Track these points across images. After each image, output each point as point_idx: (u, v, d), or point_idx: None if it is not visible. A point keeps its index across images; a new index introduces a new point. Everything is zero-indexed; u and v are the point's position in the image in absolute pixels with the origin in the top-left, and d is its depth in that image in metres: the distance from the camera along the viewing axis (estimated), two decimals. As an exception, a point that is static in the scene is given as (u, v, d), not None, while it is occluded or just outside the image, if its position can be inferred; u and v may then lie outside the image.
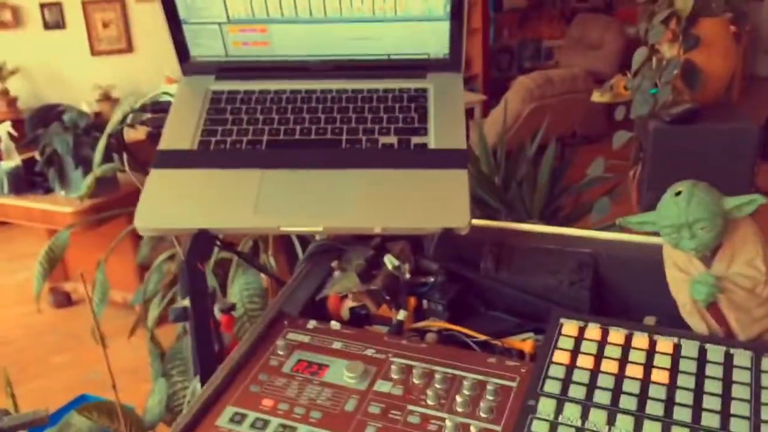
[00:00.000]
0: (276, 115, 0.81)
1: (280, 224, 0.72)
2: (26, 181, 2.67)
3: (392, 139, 0.78)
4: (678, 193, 0.63)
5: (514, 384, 0.64)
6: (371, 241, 0.81)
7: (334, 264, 0.80)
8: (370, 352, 0.69)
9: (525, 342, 0.72)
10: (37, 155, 2.59)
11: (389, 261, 0.76)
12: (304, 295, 0.78)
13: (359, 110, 0.81)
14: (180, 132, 0.80)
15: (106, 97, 4.09)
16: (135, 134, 2.41)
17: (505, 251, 0.80)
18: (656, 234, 0.72)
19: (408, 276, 0.77)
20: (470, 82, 5.53)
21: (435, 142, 0.78)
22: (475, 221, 0.82)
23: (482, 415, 0.61)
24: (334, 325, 0.73)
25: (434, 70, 0.84)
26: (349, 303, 0.76)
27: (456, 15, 0.80)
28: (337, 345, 0.71)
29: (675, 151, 1.38)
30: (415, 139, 0.78)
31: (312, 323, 0.74)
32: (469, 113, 4.61)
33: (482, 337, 0.72)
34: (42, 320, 2.95)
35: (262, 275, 1.74)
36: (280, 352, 0.70)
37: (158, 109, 0.83)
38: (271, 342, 0.71)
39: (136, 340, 2.02)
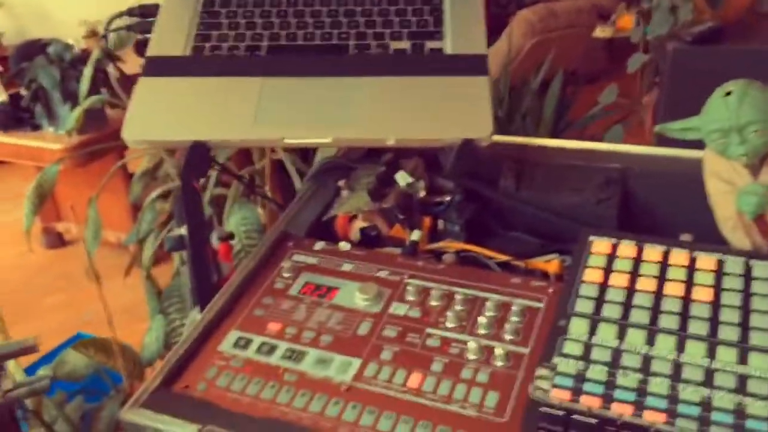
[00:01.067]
0: (276, 19, 0.74)
1: (283, 135, 0.65)
2: (13, 117, 2.57)
3: (405, 44, 0.71)
4: (728, 93, 0.57)
5: (541, 305, 0.59)
6: (382, 157, 0.74)
7: (342, 183, 0.74)
8: (383, 273, 0.64)
9: (550, 263, 0.66)
10: (22, 90, 2.49)
11: (402, 178, 0.70)
12: (310, 215, 0.72)
13: (367, 13, 0.74)
14: (170, 37, 0.72)
15: (93, 34, 3.94)
16: (128, 68, 2.31)
17: (526, 168, 0.74)
18: (693, 146, 0.67)
19: (422, 194, 0.71)
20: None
21: (452, 47, 0.71)
22: (498, 137, 0.76)
23: (507, 337, 0.56)
24: (344, 245, 0.68)
25: (450, -31, 0.76)
26: (359, 223, 0.70)
27: None
28: (347, 267, 0.65)
29: (695, 73, 1.31)
30: (430, 44, 0.71)
31: (320, 244, 0.68)
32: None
33: (504, 258, 0.67)
34: (34, 261, 2.90)
35: (260, 210, 1.68)
36: (286, 275, 0.65)
37: (146, 13, 0.76)
38: (275, 264, 0.66)
39: (131, 281, 1.97)
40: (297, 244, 0.68)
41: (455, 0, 0.74)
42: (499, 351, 0.55)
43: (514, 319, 0.58)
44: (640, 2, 1.54)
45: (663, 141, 0.75)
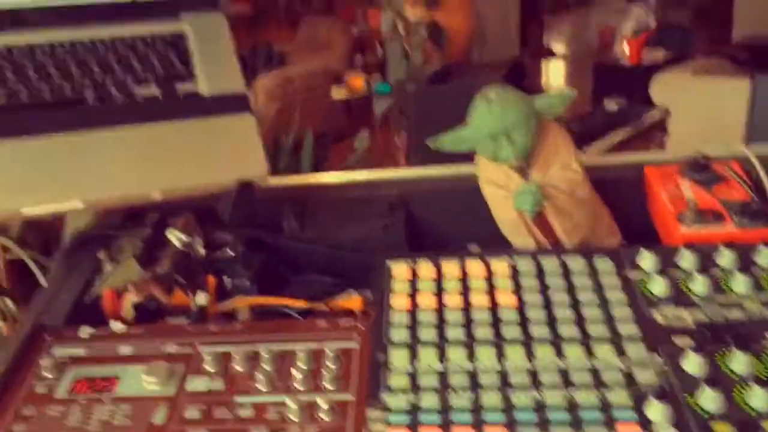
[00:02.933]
0: (-9, 77, 0.62)
1: (20, 205, 0.54)
2: None
3: (153, 90, 0.64)
4: (489, 100, 0.59)
5: (355, 344, 0.55)
6: (146, 219, 0.65)
7: (102, 255, 0.63)
8: (171, 348, 0.55)
9: (352, 300, 0.63)
10: None
11: (174, 236, 0.62)
12: (68, 299, 0.60)
13: (103, 61, 0.65)
14: None
15: None
16: None
17: (309, 208, 0.70)
18: (462, 162, 0.69)
19: (201, 251, 0.63)
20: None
21: (207, 87, 0.65)
22: (274, 179, 0.72)
23: (328, 386, 0.51)
24: (116, 326, 0.57)
25: (189, 9, 0.71)
26: (132, 298, 0.60)
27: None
28: (125, 350, 0.55)
29: (435, 110, 1.40)
30: (182, 87, 0.65)
31: (85, 330, 0.57)
32: (212, 122, 4.42)
33: (303, 305, 0.61)
34: None
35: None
36: (47, 374, 0.52)
37: None
38: (31, 365, 0.53)
39: None
40: (56, 335, 0.56)
41: (202, 40, 0.69)
42: (322, 404, 0.48)
43: (330, 365, 0.52)
44: (365, 56, 1.62)
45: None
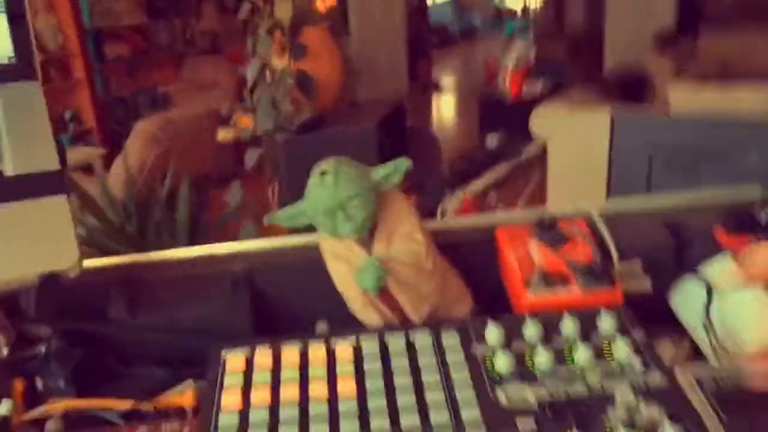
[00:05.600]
0: None
1: None
2: None
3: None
4: (323, 174, 0.55)
5: (179, 452, 0.49)
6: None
7: None
8: (-42, 476, 0.47)
9: (183, 395, 0.57)
10: None
11: (-28, 339, 0.54)
12: None
13: None
14: None
15: None
16: None
17: (140, 290, 0.64)
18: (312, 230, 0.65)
19: (5, 351, 0.56)
20: (85, 137, 5.09)
21: (14, 167, 0.58)
22: (96, 261, 0.65)
23: (143, 508, 0.45)
24: None
25: (-1, 80, 0.64)
26: None
27: (13, 4, 0.61)
28: None
29: (306, 159, 1.36)
30: (-15, 168, 0.57)
31: None
32: (89, 169, 4.19)
33: (125, 405, 0.55)
34: None
35: None
36: None
37: None
38: None
39: None
40: None
41: (10, 115, 0.62)
42: None
43: (147, 481, 0.47)
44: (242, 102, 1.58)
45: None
